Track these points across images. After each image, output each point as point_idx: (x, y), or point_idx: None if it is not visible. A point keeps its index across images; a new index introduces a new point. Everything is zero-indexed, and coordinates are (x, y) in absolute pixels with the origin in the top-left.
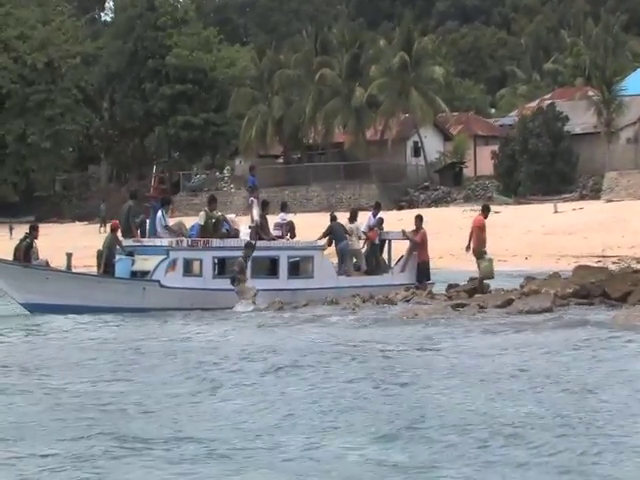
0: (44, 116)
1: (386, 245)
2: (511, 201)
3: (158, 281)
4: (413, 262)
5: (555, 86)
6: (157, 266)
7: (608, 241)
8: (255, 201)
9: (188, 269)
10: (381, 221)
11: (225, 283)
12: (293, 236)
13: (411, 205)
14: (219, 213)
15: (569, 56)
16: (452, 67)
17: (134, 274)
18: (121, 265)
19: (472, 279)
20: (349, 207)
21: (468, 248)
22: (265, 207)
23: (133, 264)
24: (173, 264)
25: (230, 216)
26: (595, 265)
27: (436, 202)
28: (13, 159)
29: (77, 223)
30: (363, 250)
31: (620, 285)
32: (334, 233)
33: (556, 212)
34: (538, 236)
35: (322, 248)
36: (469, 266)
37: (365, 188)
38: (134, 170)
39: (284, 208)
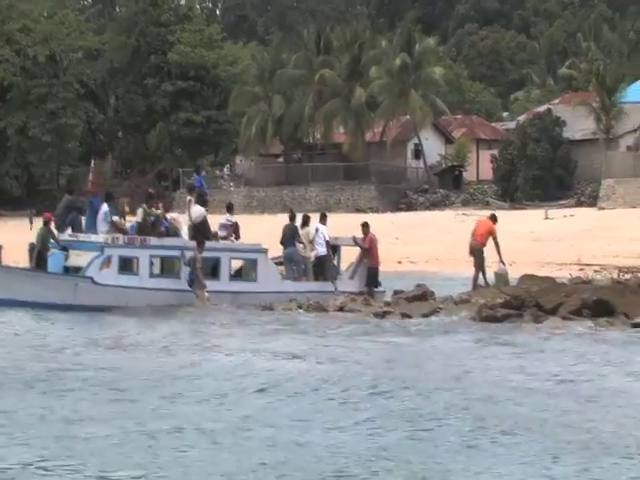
0: (45, 109)
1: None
2: (506, 206)
3: (91, 278)
4: (363, 269)
5: (570, 91)
6: (90, 262)
7: (594, 249)
8: (192, 200)
9: (124, 267)
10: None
11: (162, 282)
12: (238, 237)
13: (410, 208)
14: (158, 211)
15: (584, 61)
16: (464, 70)
17: (67, 269)
18: (54, 259)
19: (418, 285)
20: (347, 208)
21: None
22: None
23: (66, 259)
24: (108, 261)
25: (172, 215)
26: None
27: (435, 205)
28: (14, 152)
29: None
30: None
31: (553, 296)
32: (284, 236)
33: (547, 218)
34: (526, 242)
35: (265, 251)
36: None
37: (364, 190)
38: (136, 166)
39: (230, 209)
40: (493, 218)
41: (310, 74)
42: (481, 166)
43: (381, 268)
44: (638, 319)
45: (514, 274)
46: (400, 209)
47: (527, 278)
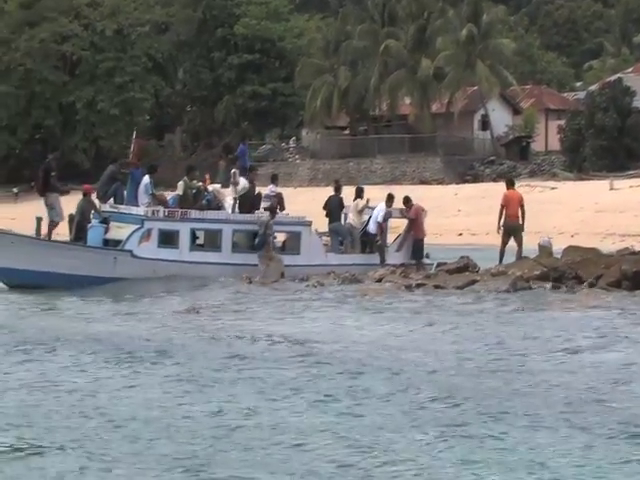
0: (113, 83)
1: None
2: (573, 177)
3: (130, 251)
4: (410, 241)
5: None
6: (130, 235)
7: None
8: (237, 172)
9: (164, 240)
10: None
11: (202, 255)
12: (282, 208)
13: (476, 179)
14: (199, 183)
15: None
16: (536, 39)
17: (107, 242)
18: (93, 232)
19: (462, 257)
20: (413, 180)
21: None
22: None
23: (107, 231)
24: (148, 234)
25: (215, 186)
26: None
27: (501, 176)
28: (83, 126)
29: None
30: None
31: (593, 268)
32: (329, 208)
33: (612, 189)
34: (589, 214)
35: (309, 224)
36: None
37: (430, 161)
38: (203, 139)
39: (274, 180)
40: (511, 183)
41: (375, 45)
42: (550, 137)
43: (441, 240)
44: None
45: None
46: (466, 181)
47: (571, 250)
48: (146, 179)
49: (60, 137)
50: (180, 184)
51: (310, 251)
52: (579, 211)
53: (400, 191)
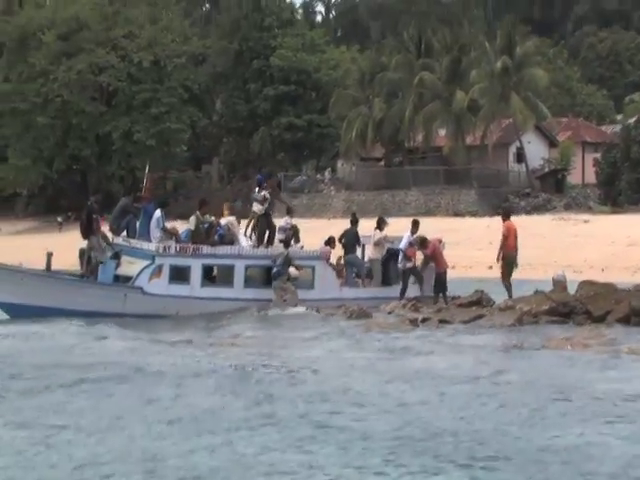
0: (150, 114)
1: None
2: (607, 210)
3: (141, 288)
4: (430, 273)
5: None
6: (141, 272)
7: None
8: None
9: (175, 276)
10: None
11: (214, 291)
12: (297, 240)
13: (511, 212)
14: (212, 217)
15: None
16: (577, 72)
17: (117, 278)
18: (104, 268)
19: (476, 291)
20: (447, 212)
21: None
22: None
23: (118, 266)
24: (159, 270)
25: (229, 219)
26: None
27: (536, 209)
28: (119, 156)
29: (178, 221)
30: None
31: (602, 303)
32: (346, 240)
33: None
34: (621, 247)
35: (324, 258)
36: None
37: (464, 194)
38: (239, 170)
39: (289, 212)
40: (507, 214)
41: (410, 77)
42: (586, 170)
43: (471, 272)
44: None
45: (606, 279)
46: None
47: (586, 284)
48: (157, 213)
49: (96, 167)
50: (192, 218)
51: (324, 285)
52: (611, 245)
53: (434, 223)
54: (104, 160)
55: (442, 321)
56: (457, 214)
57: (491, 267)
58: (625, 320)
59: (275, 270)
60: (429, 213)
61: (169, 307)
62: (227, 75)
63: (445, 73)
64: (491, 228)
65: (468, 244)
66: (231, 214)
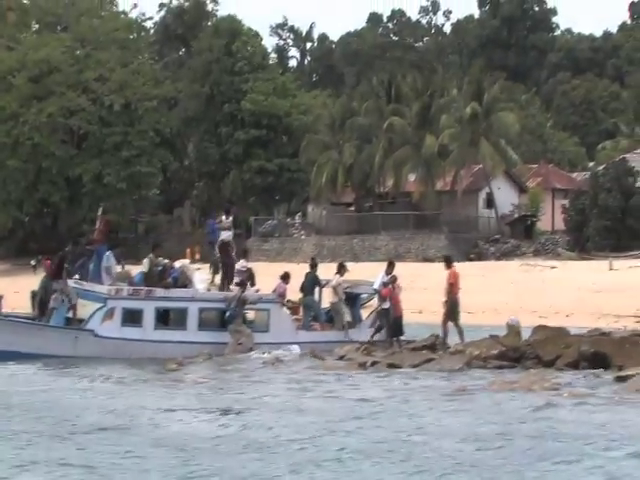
0: (121, 157)
1: (359, 298)
2: (575, 256)
3: (92, 330)
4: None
5: None
6: (92, 315)
7: None
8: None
9: (127, 319)
10: (394, 279)
11: (167, 334)
12: (253, 284)
13: (480, 257)
14: (166, 260)
15: None
16: (548, 119)
17: (69, 320)
18: (59, 311)
19: (431, 335)
20: (417, 257)
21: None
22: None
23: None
24: (111, 313)
25: (183, 262)
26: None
27: (505, 255)
28: (89, 199)
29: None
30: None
31: (552, 348)
32: (304, 283)
33: (611, 269)
34: (586, 293)
35: (279, 301)
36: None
37: (434, 239)
38: (211, 214)
39: (245, 255)
40: (450, 260)
41: (380, 122)
42: (556, 216)
43: (436, 318)
44: (623, 372)
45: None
46: (470, 259)
47: (540, 329)
48: (108, 253)
49: (67, 211)
50: (145, 261)
51: (279, 328)
52: (577, 291)
53: (404, 268)
54: (75, 204)
55: (391, 365)
56: (426, 259)
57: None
58: (574, 365)
59: (229, 313)
60: (399, 258)
61: (122, 350)
62: (198, 119)
63: (415, 118)
64: (460, 273)
65: (437, 289)
66: (193, 259)
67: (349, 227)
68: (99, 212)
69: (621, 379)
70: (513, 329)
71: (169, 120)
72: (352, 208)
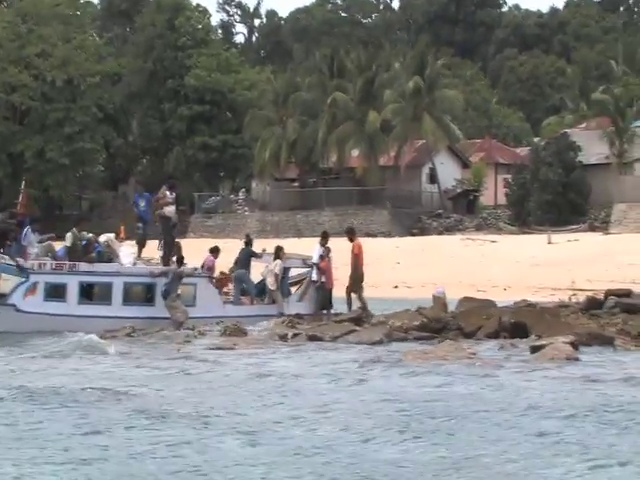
0: (63, 133)
1: (289, 273)
2: (516, 230)
3: (14, 305)
4: (313, 291)
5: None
6: (14, 289)
7: (590, 274)
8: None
9: (51, 293)
10: (328, 251)
11: (92, 309)
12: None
13: (423, 232)
14: (90, 234)
15: (619, 86)
16: (494, 94)
17: None
18: None
19: (359, 308)
20: (360, 233)
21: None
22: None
23: None
24: (33, 287)
25: (108, 236)
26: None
27: (448, 230)
28: (31, 175)
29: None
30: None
31: (474, 319)
32: (238, 258)
33: (549, 243)
34: (525, 267)
35: (206, 275)
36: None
37: (377, 214)
38: (156, 190)
39: (174, 227)
40: (353, 233)
41: (324, 98)
42: (499, 191)
43: (377, 292)
44: (538, 342)
45: (501, 299)
46: (413, 234)
47: (466, 301)
48: (26, 229)
49: (9, 187)
50: (68, 235)
51: (206, 302)
52: (515, 264)
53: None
54: (17, 180)
55: (312, 337)
56: (369, 234)
57: (397, 287)
58: (494, 335)
59: (164, 288)
60: (342, 233)
61: (44, 324)
62: (142, 95)
63: (359, 94)
64: (400, 249)
65: (376, 264)
66: (119, 237)
67: (293, 203)
68: (22, 186)
69: (535, 349)
70: (439, 300)
71: (112, 96)
72: (296, 184)
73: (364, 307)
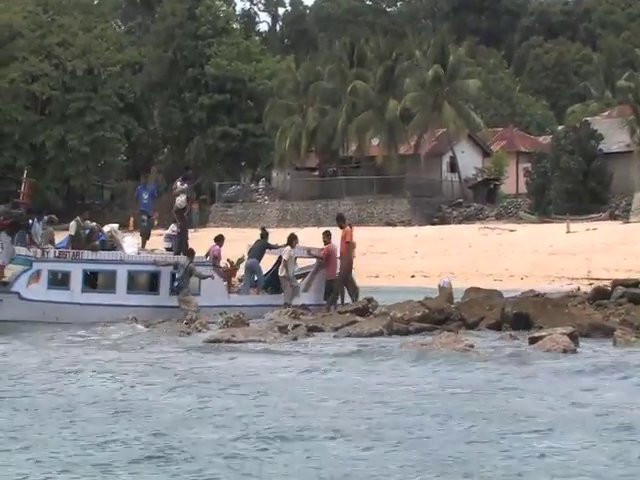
0: (84, 123)
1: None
2: (536, 219)
3: (18, 293)
4: (319, 281)
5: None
6: (18, 277)
7: (608, 263)
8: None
9: (54, 281)
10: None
11: (95, 297)
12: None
13: (443, 221)
14: (93, 223)
15: None
16: (517, 83)
17: None
18: None
19: (366, 298)
20: (380, 222)
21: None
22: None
23: None
24: (37, 275)
25: (112, 226)
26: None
27: (468, 219)
28: (53, 165)
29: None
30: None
31: (477, 310)
32: (251, 249)
33: (568, 232)
34: (542, 256)
35: (210, 264)
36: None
37: (397, 203)
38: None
39: (175, 220)
40: (343, 220)
41: (343, 86)
42: (520, 179)
43: (394, 281)
44: (537, 334)
45: (517, 287)
46: (433, 223)
47: (472, 291)
48: (32, 222)
49: (31, 176)
50: (72, 224)
51: (211, 292)
52: (533, 254)
53: (366, 233)
54: (39, 170)
55: (312, 328)
56: (389, 223)
57: (413, 276)
58: (496, 327)
59: (177, 284)
60: (362, 222)
61: (48, 313)
62: (162, 84)
63: (379, 82)
64: (419, 238)
65: (394, 253)
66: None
67: (313, 192)
68: (24, 175)
69: (533, 340)
70: (444, 291)
71: (133, 85)
72: (316, 173)
73: (355, 292)
